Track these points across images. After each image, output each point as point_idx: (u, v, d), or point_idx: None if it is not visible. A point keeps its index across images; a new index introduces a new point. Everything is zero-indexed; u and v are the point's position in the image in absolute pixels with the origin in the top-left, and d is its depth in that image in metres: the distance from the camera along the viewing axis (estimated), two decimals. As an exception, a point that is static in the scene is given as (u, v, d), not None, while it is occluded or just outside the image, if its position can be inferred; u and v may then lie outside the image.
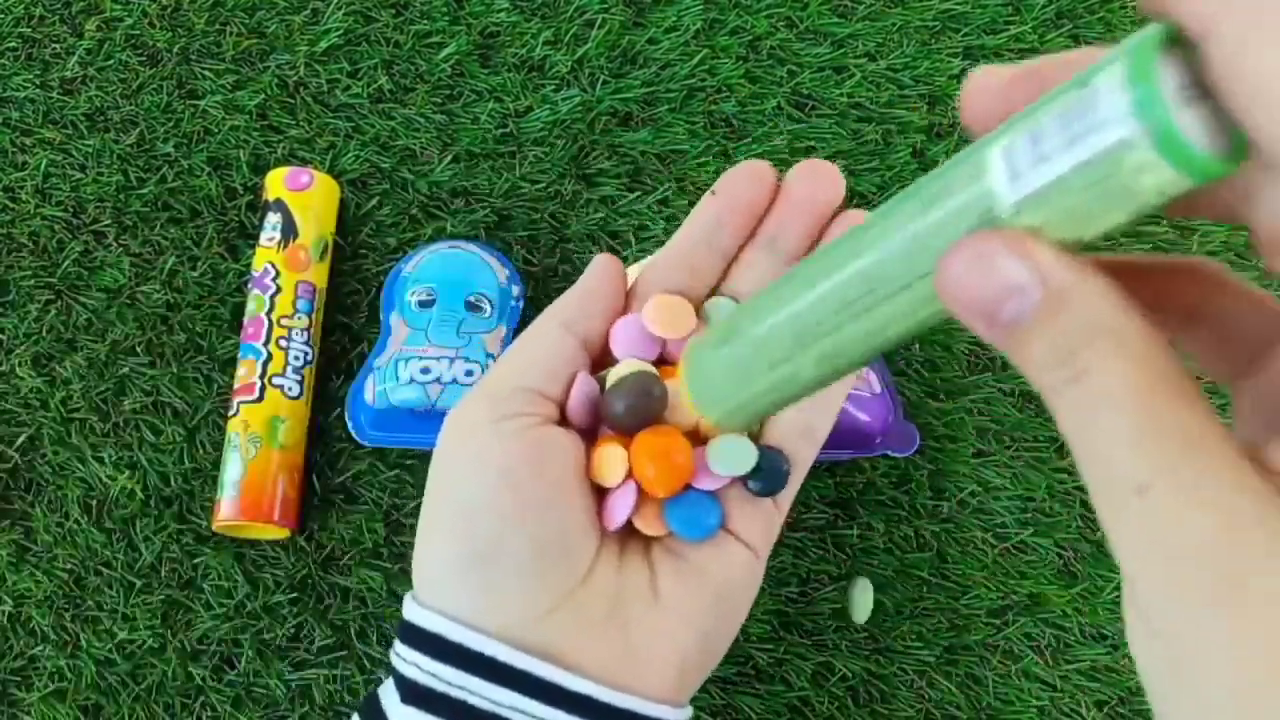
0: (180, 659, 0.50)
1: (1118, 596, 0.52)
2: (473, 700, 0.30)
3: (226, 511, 0.49)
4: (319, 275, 0.53)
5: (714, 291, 0.35)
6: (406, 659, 0.31)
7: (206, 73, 0.58)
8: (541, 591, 0.30)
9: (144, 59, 0.58)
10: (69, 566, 0.51)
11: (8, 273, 0.55)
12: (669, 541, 0.33)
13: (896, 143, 0.57)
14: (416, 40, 0.58)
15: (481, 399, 0.31)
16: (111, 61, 0.58)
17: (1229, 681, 0.17)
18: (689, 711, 0.33)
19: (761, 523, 0.34)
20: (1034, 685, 0.51)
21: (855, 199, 0.57)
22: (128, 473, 0.52)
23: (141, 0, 0.59)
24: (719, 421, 0.31)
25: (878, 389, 0.51)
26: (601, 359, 0.34)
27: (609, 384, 0.32)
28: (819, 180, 0.33)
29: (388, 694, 0.31)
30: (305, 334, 0.52)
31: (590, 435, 0.33)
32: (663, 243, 0.55)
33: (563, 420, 0.32)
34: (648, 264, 0.35)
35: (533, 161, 0.57)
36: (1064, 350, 0.18)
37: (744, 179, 0.33)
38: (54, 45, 0.58)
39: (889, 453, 0.52)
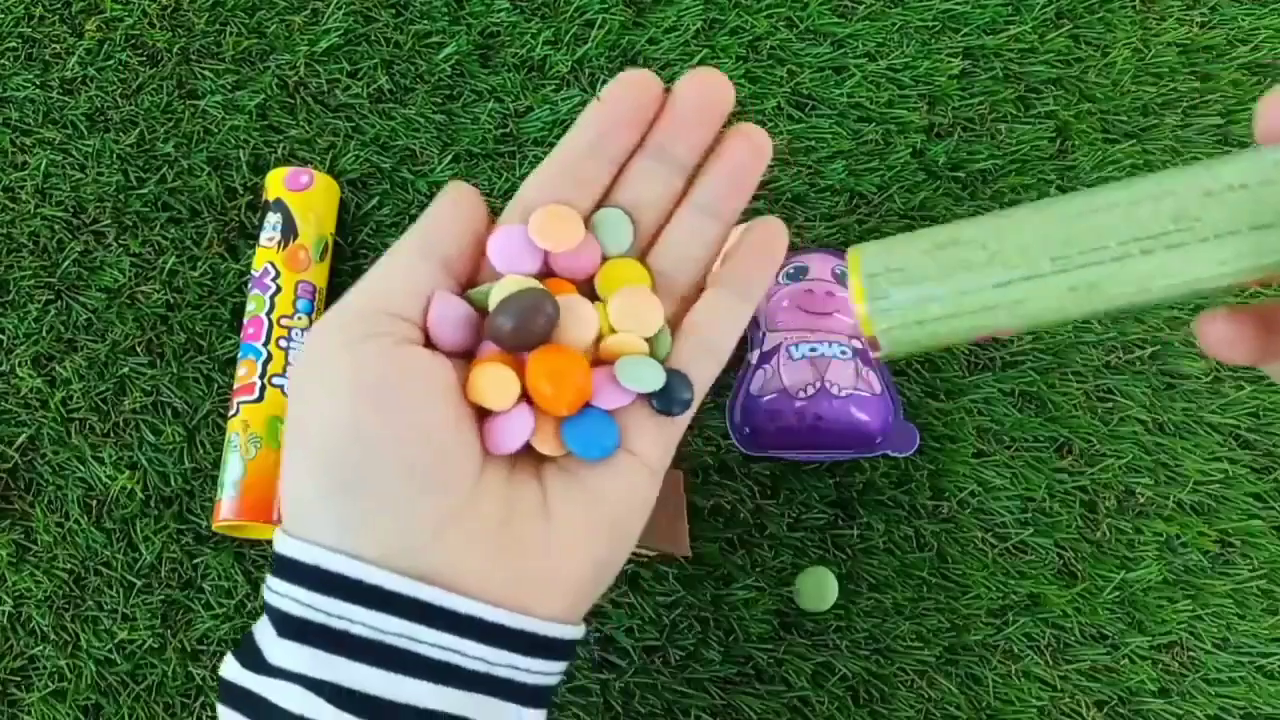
0: (180, 659, 0.50)
1: (1118, 596, 0.52)
2: (355, 630, 0.28)
3: (227, 511, 0.49)
4: (319, 275, 0.53)
5: (602, 203, 0.33)
6: (281, 592, 0.29)
7: (206, 73, 0.58)
8: (420, 516, 0.29)
9: (144, 59, 0.58)
10: (69, 566, 0.51)
11: (8, 273, 0.55)
12: (563, 460, 0.32)
13: (896, 143, 0.58)
14: (416, 40, 0.58)
15: (336, 323, 0.30)
16: (111, 61, 0.58)
17: None
18: (583, 629, 0.32)
19: (660, 440, 0.32)
20: (1034, 685, 0.51)
21: (855, 199, 0.57)
22: (128, 473, 0.52)
23: (141, 0, 0.59)
24: (891, 333, 0.28)
25: (878, 389, 0.51)
26: (469, 279, 0.33)
27: (495, 300, 0.31)
28: (708, 87, 0.32)
29: (263, 630, 0.30)
30: (305, 334, 0.52)
31: (460, 358, 0.32)
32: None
33: (427, 344, 0.31)
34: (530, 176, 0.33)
35: (533, 161, 0.57)
36: None
37: (631, 86, 0.32)
38: (54, 45, 0.58)
39: (889, 453, 0.52)
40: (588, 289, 0.33)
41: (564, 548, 0.30)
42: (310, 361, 0.30)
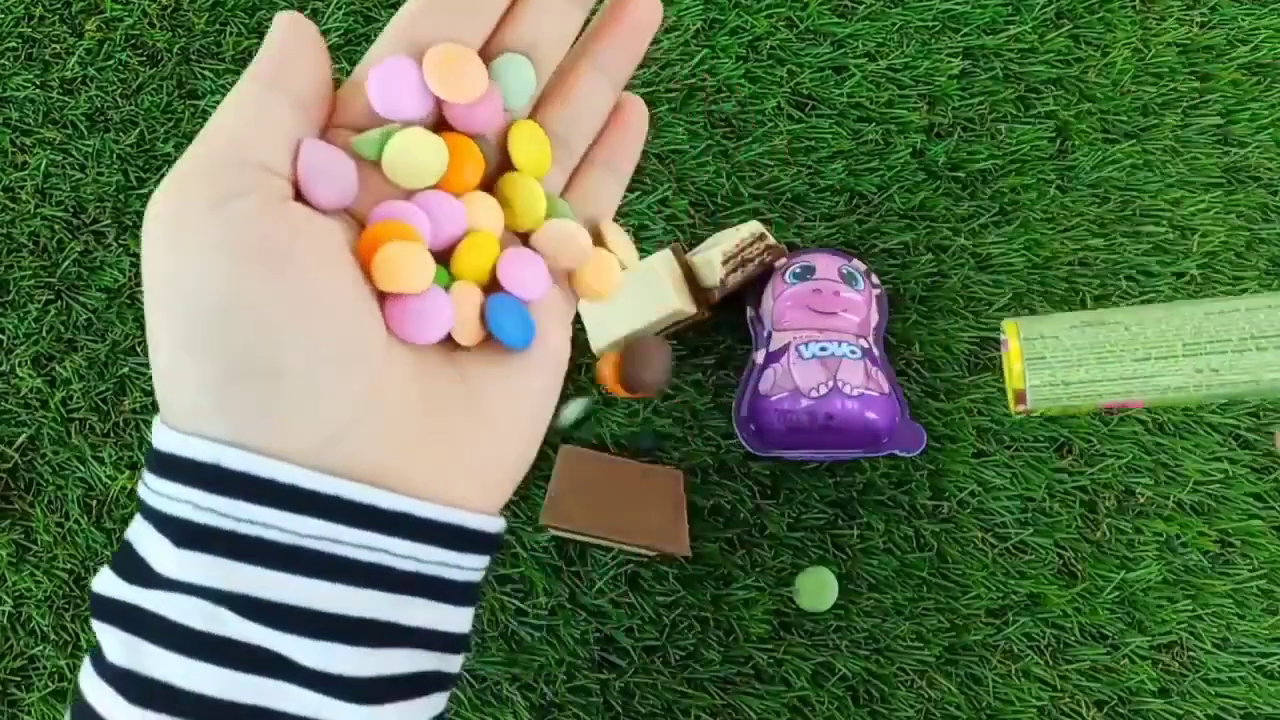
0: (180, 659, 0.50)
1: (1118, 596, 0.52)
2: (269, 535, 0.25)
3: None
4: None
5: (494, 37, 0.29)
6: (172, 495, 0.25)
7: (206, 73, 0.58)
8: (332, 401, 0.25)
9: (144, 59, 0.58)
10: (69, 566, 0.51)
11: (8, 273, 0.55)
12: (476, 348, 0.29)
13: (896, 143, 0.58)
14: (416, 40, 0.58)
15: (193, 179, 0.25)
16: (111, 61, 0.58)
17: None
18: (504, 521, 0.30)
19: (565, 331, 0.31)
20: (1034, 685, 0.51)
21: (855, 199, 0.57)
22: (128, 473, 0.52)
23: (142, 0, 0.59)
24: (1040, 390, 0.34)
25: (886, 389, 0.51)
26: (325, 123, 0.28)
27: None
28: None
29: (146, 537, 0.26)
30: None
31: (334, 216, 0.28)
32: (664, 243, 0.56)
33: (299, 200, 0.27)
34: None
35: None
36: None
37: None
38: (54, 45, 0.59)
39: (896, 452, 0.52)
40: (490, 147, 0.30)
41: (495, 438, 0.28)
42: (169, 226, 0.25)
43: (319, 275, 0.25)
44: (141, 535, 0.26)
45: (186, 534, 0.25)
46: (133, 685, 0.25)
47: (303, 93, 0.26)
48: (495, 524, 0.29)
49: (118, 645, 0.25)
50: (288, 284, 0.24)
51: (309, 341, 0.25)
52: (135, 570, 0.26)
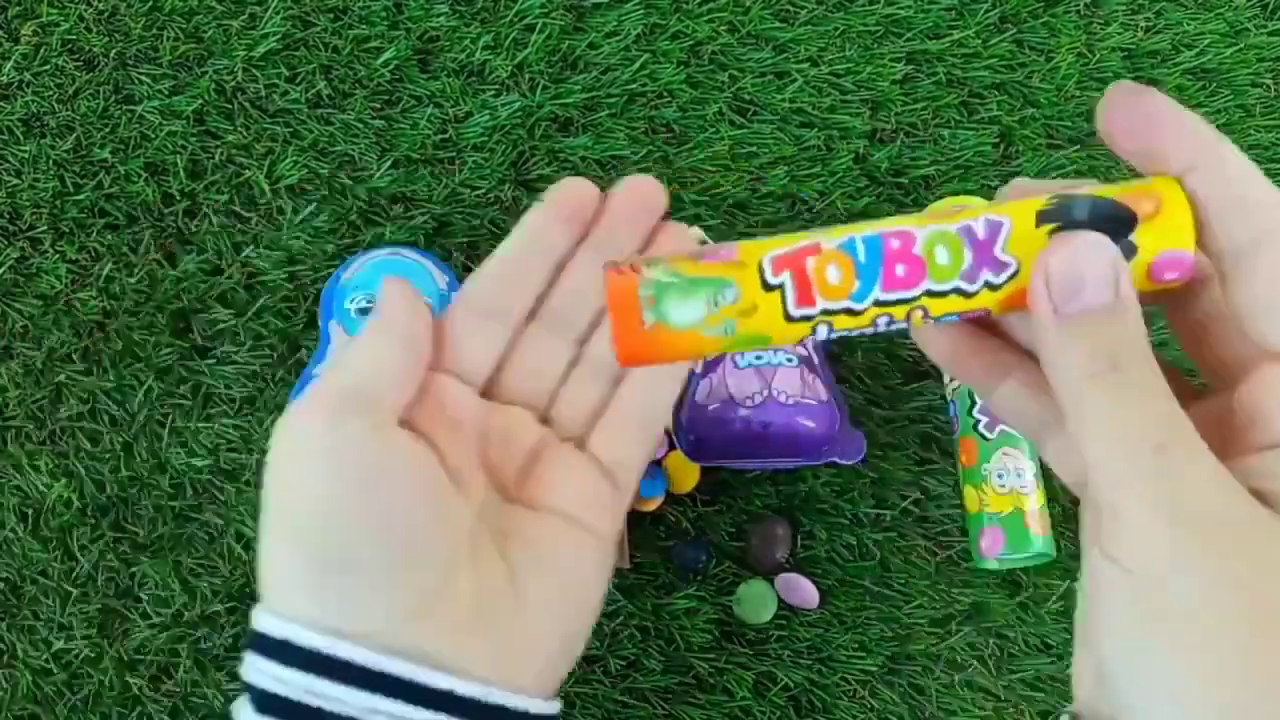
0: (117, 669, 0.53)
1: (1061, 606, 0.55)
2: (330, 706, 0.31)
3: None
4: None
5: (543, 297, 0.38)
6: (258, 668, 0.32)
7: (143, 78, 0.60)
8: (399, 597, 0.32)
9: (80, 64, 0.61)
10: (5, 575, 0.54)
11: (-57, 280, 0.57)
12: (529, 536, 0.36)
13: (839, 148, 0.60)
14: (355, 45, 0.61)
15: (317, 404, 0.33)
16: (48, 66, 0.61)
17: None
18: (558, 704, 0.36)
19: (617, 520, 0.38)
20: (977, 695, 0.54)
21: (798, 205, 0.60)
22: (64, 481, 0.55)
23: (78, 5, 0.61)
24: None
25: (824, 396, 0.53)
26: (430, 357, 0.36)
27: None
28: (641, 193, 0.38)
29: (242, 709, 0.33)
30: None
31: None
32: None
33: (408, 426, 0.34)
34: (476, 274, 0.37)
35: (472, 167, 0.60)
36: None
37: (571, 190, 0.37)
38: (-10, 49, 0.61)
39: (836, 460, 0.54)
40: None
41: (536, 625, 0.34)
42: (292, 442, 0.33)
43: (403, 493, 0.32)
44: (240, 705, 0.33)
45: (265, 702, 0.32)
46: None
47: (407, 335, 0.35)
48: (543, 706, 0.34)
49: None
50: (375, 498, 0.32)
51: (385, 547, 0.32)
52: None
